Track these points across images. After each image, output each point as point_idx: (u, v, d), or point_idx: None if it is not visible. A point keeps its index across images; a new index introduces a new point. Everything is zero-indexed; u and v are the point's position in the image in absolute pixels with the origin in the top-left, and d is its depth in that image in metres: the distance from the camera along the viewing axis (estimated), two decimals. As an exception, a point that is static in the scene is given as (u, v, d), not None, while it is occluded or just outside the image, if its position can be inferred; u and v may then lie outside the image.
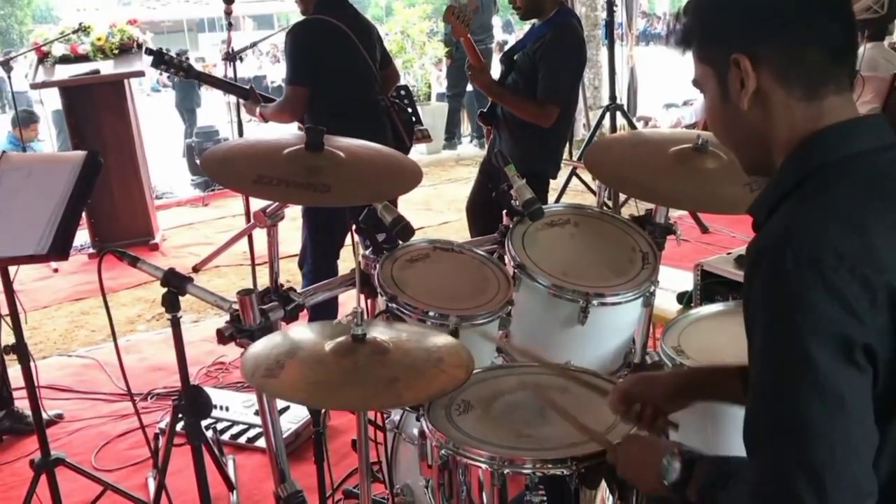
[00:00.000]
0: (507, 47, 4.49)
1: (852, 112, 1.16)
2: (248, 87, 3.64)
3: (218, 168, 1.89)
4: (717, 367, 1.65)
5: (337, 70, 3.41)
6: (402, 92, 3.87)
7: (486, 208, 3.45)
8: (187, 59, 3.62)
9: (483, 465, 1.54)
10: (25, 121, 6.79)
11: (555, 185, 5.18)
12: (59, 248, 2.18)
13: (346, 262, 3.69)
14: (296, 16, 3.74)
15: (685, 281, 3.48)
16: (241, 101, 3.62)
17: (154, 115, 12.66)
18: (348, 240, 3.41)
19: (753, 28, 1.16)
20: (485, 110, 3.75)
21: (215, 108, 11.11)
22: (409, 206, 6.49)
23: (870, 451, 1.04)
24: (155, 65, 3.53)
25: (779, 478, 1.05)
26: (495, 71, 3.95)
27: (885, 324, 1.02)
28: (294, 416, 3.15)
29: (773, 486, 1.06)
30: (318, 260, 3.58)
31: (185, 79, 3.65)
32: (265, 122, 3.58)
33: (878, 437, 1.05)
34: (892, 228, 1.06)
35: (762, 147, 1.21)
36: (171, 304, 1.91)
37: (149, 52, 3.57)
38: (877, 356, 1.02)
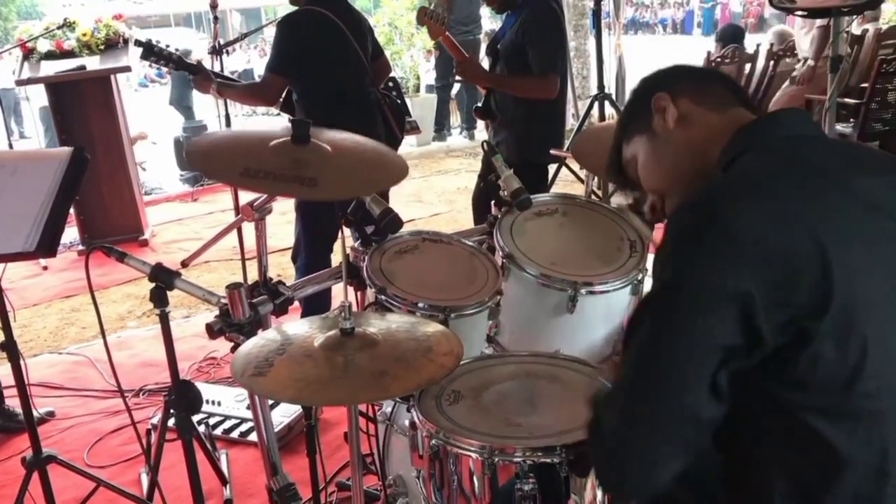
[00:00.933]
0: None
1: (763, 115, 1.32)
2: (195, 62, 3.59)
3: (204, 160, 1.88)
4: None
5: (328, 62, 3.40)
6: (391, 84, 3.86)
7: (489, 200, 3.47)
8: (177, 50, 3.59)
9: (473, 454, 1.55)
10: None
11: (544, 175, 5.19)
12: (47, 245, 2.17)
13: (336, 254, 3.69)
14: (283, 9, 3.72)
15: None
16: (191, 77, 3.56)
17: (143, 110, 12.60)
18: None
19: (666, 78, 1.40)
20: (479, 104, 3.75)
21: (208, 104, 11.05)
22: (400, 197, 6.50)
23: (688, 405, 1.10)
24: (145, 56, 3.50)
25: (618, 391, 1.19)
26: (484, 63, 3.96)
27: (790, 283, 1.06)
28: (286, 410, 3.15)
29: (612, 394, 1.22)
30: (311, 253, 3.57)
31: (176, 70, 3.63)
32: (222, 99, 3.55)
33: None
34: (794, 192, 1.12)
35: (695, 158, 1.32)
36: (159, 299, 1.90)
37: (138, 43, 3.55)
38: (756, 312, 1.06)
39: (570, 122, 7.14)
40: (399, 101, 3.80)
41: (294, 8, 3.46)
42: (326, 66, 3.40)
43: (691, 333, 1.08)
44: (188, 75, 3.55)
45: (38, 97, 9.27)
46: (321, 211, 3.44)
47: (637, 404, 1.13)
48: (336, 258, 3.58)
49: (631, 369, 1.16)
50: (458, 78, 4.17)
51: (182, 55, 3.53)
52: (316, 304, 3.19)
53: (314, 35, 3.38)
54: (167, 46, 3.53)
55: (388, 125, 3.63)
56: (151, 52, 3.45)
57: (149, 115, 12.15)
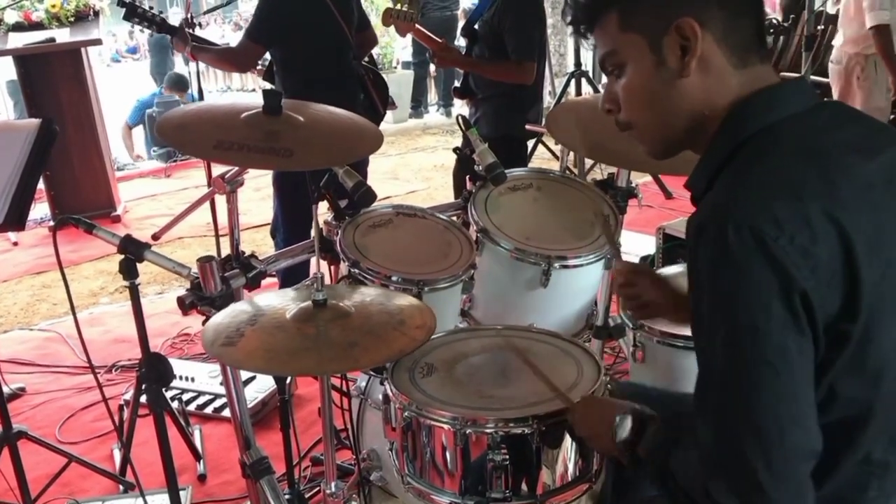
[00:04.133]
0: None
1: (774, 78, 1.19)
2: (177, 24, 3.56)
3: (175, 134, 1.85)
4: None
5: (308, 34, 3.37)
6: (367, 59, 3.83)
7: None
8: (161, 13, 3.56)
9: (446, 426, 1.55)
10: None
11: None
12: (16, 219, 2.14)
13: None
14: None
15: (649, 245, 3.52)
16: (170, 37, 3.53)
17: (115, 85, 12.42)
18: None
19: None
20: (458, 85, 3.73)
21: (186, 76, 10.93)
22: (376, 175, 6.46)
23: (812, 412, 1.07)
24: (127, 17, 3.47)
25: (727, 440, 1.08)
26: (461, 42, 3.93)
27: (827, 287, 1.04)
28: (260, 386, 3.14)
29: (722, 449, 1.09)
30: (290, 228, 3.56)
31: (158, 33, 3.60)
32: (195, 61, 3.52)
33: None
34: (824, 190, 1.07)
35: (691, 119, 1.20)
36: (128, 271, 1.88)
37: (121, 3, 3.50)
38: (817, 322, 1.05)
39: (547, 100, 7.14)
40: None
41: None
42: (307, 38, 3.37)
43: (790, 362, 1.05)
44: (169, 43, 3.52)
45: (4, 71, 9.10)
46: (299, 186, 3.42)
47: (775, 452, 1.06)
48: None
49: (742, 422, 1.07)
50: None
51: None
52: (293, 280, 3.18)
53: (296, 6, 3.35)
54: (150, 8, 3.51)
55: (371, 100, 3.60)
56: (134, 13, 3.43)
57: (121, 90, 11.98)
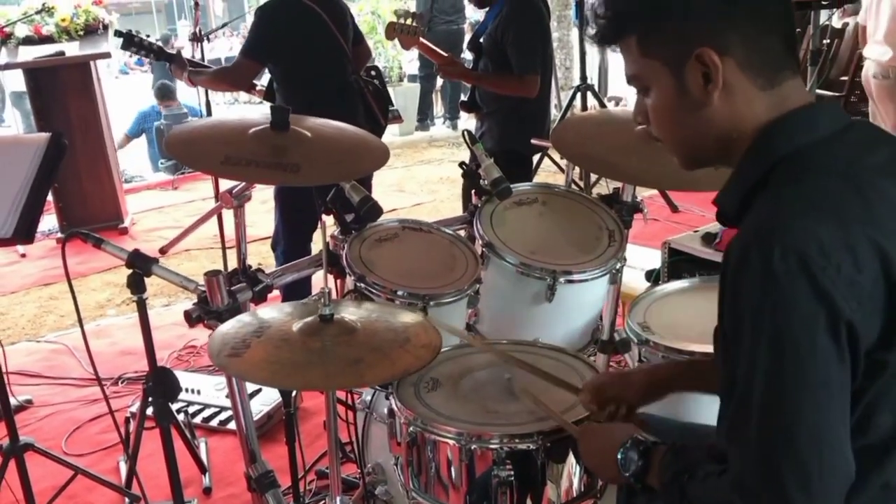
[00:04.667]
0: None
1: (806, 96, 1.17)
2: (174, 51, 3.62)
3: (184, 150, 1.88)
4: (691, 361, 1.70)
5: (305, 49, 3.39)
6: (373, 72, 3.85)
7: None
8: (157, 41, 3.58)
9: (451, 441, 1.56)
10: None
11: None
12: (24, 231, 2.16)
13: (316, 243, 3.67)
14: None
15: (655, 259, 3.51)
16: (168, 64, 3.58)
17: (123, 98, 12.48)
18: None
19: (719, 16, 1.12)
20: (465, 99, 3.75)
21: (191, 92, 10.97)
22: (382, 187, 6.48)
23: (848, 439, 1.06)
24: (125, 47, 3.50)
25: (764, 469, 1.06)
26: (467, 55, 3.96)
27: (870, 317, 1.03)
28: (266, 399, 3.14)
29: (758, 477, 1.07)
30: (290, 242, 3.57)
31: (156, 61, 3.63)
32: (193, 87, 3.56)
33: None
34: (864, 215, 1.06)
35: (719, 140, 1.19)
36: (136, 285, 1.89)
37: (118, 33, 3.53)
38: (859, 351, 1.04)
39: (553, 113, 7.15)
40: (382, 90, 3.79)
41: None
42: (304, 54, 3.39)
43: (832, 392, 1.04)
44: (168, 70, 3.55)
45: (11, 82, 9.19)
46: (300, 199, 3.44)
47: (814, 481, 1.04)
48: (316, 247, 3.58)
49: (782, 451, 1.05)
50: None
51: (162, 42, 3.53)
52: (296, 293, 3.18)
53: (290, 22, 3.36)
54: (147, 37, 3.54)
55: (371, 112, 3.62)
56: (131, 42, 3.46)
57: (129, 102, 12.04)
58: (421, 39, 3.57)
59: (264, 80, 3.65)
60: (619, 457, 1.34)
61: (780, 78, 1.15)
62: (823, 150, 1.12)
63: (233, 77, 3.49)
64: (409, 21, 3.50)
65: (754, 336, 1.06)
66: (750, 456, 1.08)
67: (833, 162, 1.11)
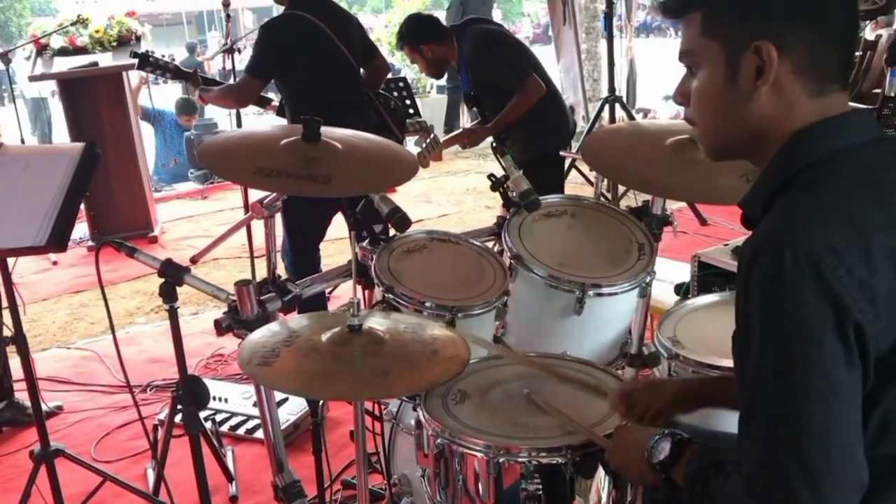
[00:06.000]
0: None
1: (845, 108, 1.16)
2: (191, 70, 3.65)
3: (216, 160, 1.89)
4: (723, 377, 1.69)
5: (310, 65, 3.41)
6: (401, 84, 3.88)
7: None
8: (172, 59, 3.64)
9: (479, 454, 1.55)
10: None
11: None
12: (58, 240, 2.18)
13: (344, 254, 3.68)
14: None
15: (684, 272, 3.48)
16: (185, 82, 3.64)
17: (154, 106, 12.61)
18: (340, 233, 3.42)
19: (787, 15, 1.11)
20: (495, 144, 3.83)
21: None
22: (409, 198, 6.50)
23: (860, 444, 1.06)
24: (141, 67, 3.56)
25: (774, 471, 1.06)
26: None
27: (884, 321, 1.03)
28: (293, 408, 3.16)
29: (768, 479, 1.07)
30: (297, 252, 3.60)
31: (172, 79, 3.68)
32: (204, 104, 3.62)
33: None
34: (884, 223, 1.06)
35: (754, 137, 1.18)
36: (168, 294, 1.91)
37: (134, 55, 3.59)
38: (869, 354, 1.04)
39: (581, 125, 7.15)
40: (408, 102, 3.81)
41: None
42: (309, 69, 3.41)
43: (840, 393, 1.04)
44: (186, 89, 3.61)
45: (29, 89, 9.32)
46: (303, 210, 3.45)
47: (824, 483, 1.04)
48: (339, 258, 3.60)
49: (791, 451, 1.05)
50: None
51: (188, 51, 3.59)
52: (312, 306, 3.18)
53: (294, 39, 3.39)
54: (162, 56, 3.59)
55: (385, 126, 3.63)
56: (147, 62, 3.51)
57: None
58: (441, 144, 3.65)
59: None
60: (650, 443, 1.33)
61: (828, 90, 1.14)
62: (850, 158, 1.12)
63: (237, 94, 3.50)
64: (426, 141, 3.55)
65: (763, 336, 1.06)
66: (760, 456, 1.08)
67: (858, 171, 1.11)
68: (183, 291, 1.99)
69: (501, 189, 2.29)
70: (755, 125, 1.17)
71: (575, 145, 6.47)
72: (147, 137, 8.40)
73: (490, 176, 2.33)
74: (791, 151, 1.15)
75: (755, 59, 1.12)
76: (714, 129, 1.23)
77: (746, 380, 1.11)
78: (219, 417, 3.19)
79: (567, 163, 5.77)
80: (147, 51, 3.56)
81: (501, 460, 1.53)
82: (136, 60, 3.54)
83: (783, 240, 1.04)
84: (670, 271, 3.59)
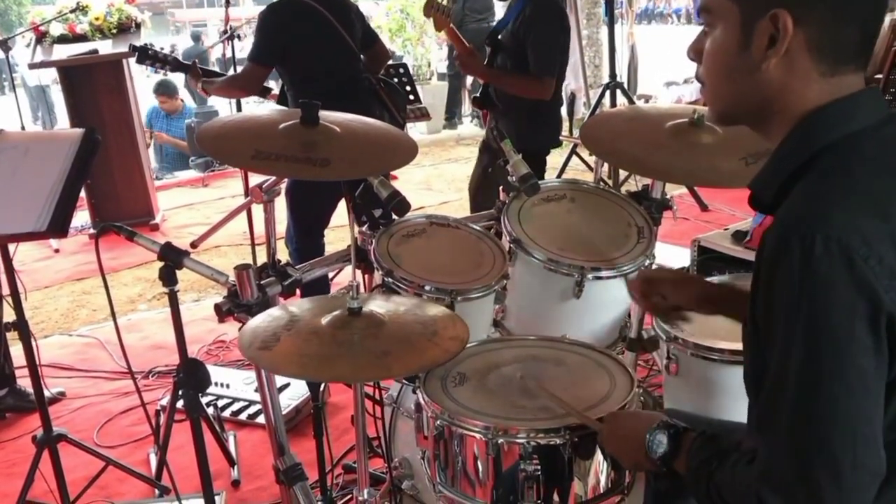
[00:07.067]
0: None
1: (857, 88, 1.14)
2: (190, 62, 3.66)
3: (215, 144, 1.89)
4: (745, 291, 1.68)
5: (311, 51, 3.40)
6: (401, 70, 3.86)
7: (487, 189, 3.47)
8: (172, 52, 3.63)
9: (478, 435, 1.56)
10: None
11: (554, 163, 5.19)
12: (58, 226, 2.19)
13: (344, 240, 3.69)
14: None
15: (684, 257, 3.49)
16: (184, 74, 3.64)
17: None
18: (341, 220, 3.41)
19: None
20: (477, 95, 3.75)
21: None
22: (410, 185, 6.50)
23: (881, 434, 1.05)
24: (140, 60, 3.55)
25: (796, 460, 1.05)
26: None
27: None
28: (294, 393, 3.17)
29: (789, 468, 1.06)
30: (301, 238, 3.59)
31: (172, 72, 3.67)
32: (208, 96, 3.60)
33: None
34: None
35: (759, 107, 1.17)
36: (167, 278, 1.91)
37: (132, 48, 3.58)
38: None
39: (582, 111, 7.13)
40: (409, 88, 3.80)
41: None
42: (309, 54, 3.40)
43: (867, 384, 1.03)
44: (186, 82, 3.61)
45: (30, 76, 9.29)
46: (307, 195, 3.45)
47: (847, 474, 1.03)
48: (337, 244, 3.60)
49: (816, 442, 1.04)
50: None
51: (193, 39, 3.59)
52: (315, 290, 3.20)
53: (294, 25, 3.38)
54: (161, 49, 3.58)
55: (389, 111, 3.61)
56: (146, 55, 3.51)
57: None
58: (451, 25, 3.58)
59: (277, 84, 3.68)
60: (647, 438, 1.33)
61: (843, 70, 1.12)
62: (867, 140, 1.11)
63: (242, 83, 3.50)
64: (445, 2, 3.52)
65: (789, 325, 1.04)
66: (781, 447, 1.07)
67: (877, 154, 1.10)
68: (185, 279, 2.00)
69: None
70: (761, 96, 1.15)
71: (576, 132, 6.48)
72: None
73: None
74: (805, 133, 1.13)
75: (769, 28, 1.10)
76: (720, 93, 1.22)
77: (768, 369, 1.09)
78: (221, 403, 3.21)
79: (569, 149, 5.78)
80: (146, 43, 3.56)
81: (500, 441, 1.54)
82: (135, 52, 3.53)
83: (814, 227, 1.02)
84: (671, 256, 3.61)
